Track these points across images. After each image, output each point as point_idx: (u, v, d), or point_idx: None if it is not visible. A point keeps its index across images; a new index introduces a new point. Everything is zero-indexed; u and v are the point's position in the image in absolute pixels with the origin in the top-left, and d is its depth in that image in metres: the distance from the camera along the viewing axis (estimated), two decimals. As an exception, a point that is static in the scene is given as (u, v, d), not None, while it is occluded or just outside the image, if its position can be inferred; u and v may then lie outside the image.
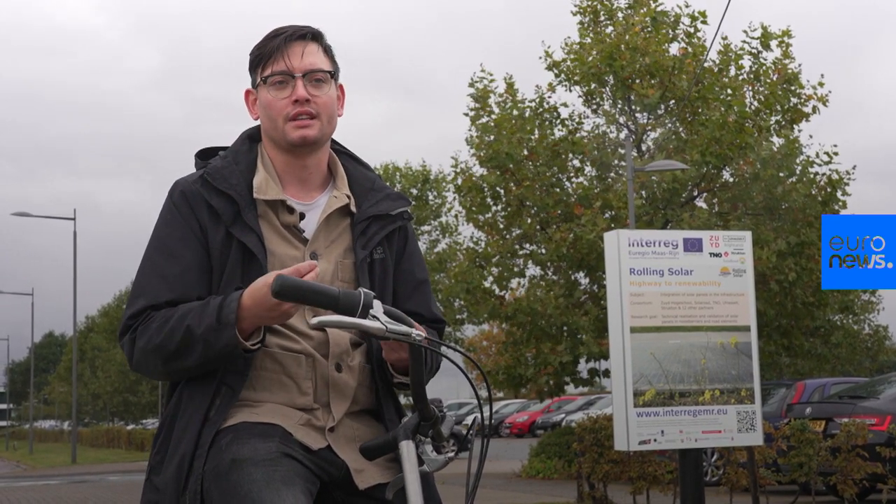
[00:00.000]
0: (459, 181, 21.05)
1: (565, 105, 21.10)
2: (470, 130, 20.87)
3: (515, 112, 20.52)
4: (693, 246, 7.80)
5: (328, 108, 2.64)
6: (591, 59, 20.15)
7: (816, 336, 22.66)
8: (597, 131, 21.23)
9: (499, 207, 20.76)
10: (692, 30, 21.00)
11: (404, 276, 2.77)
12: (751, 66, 20.85)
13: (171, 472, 2.44)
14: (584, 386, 22.34)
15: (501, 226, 20.81)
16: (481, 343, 52.31)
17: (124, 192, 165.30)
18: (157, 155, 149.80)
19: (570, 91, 21.01)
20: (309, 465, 2.43)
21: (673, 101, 20.21)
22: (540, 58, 21.03)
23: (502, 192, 20.39)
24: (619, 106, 21.11)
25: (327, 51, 2.70)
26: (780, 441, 10.84)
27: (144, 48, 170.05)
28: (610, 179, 20.54)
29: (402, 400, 2.82)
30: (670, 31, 20.84)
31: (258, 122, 2.73)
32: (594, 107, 21.24)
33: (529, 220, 20.29)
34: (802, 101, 20.77)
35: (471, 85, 21.01)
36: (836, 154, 20.33)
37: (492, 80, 20.94)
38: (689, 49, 20.61)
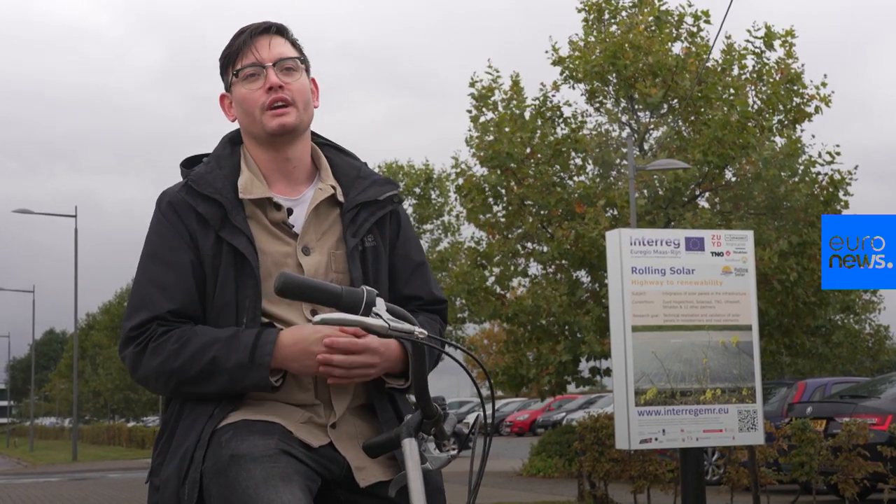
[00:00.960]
0: (460, 181, 21.05)
1: (568, 104, 21.12)
2: (470, 130, 20.88)
3: (518, 111, 20.50)
4: (695, 245, 7.80)
5: (302, 94, 2.65)
6: (594, 57, 20.14)
7: (818, 335, 22.68)
8: (599, 130, 21.23)
9: (499, 207, 20.76)
10: (695, 29, 21.00)
11: (401, 261, 2.76)
12: (754, 66, 20.84)
13: (172, 468, 2.45)
14: (585, 385, 22.34)
15: (503, 225, 20.80)
16: (482, 341, 52.36)
17: (126, 189, 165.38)
18: (158, 152, 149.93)
19: (574, 88, 21.03)
20: (309, 463, 2.43)
21: (675, 100, 20.21)
22: (546, 52, 21.04)
23: (503, 191, 20.38)
24: (622, 105, 21.10)
25: (294, 43, 2.71)
26: (781, 440, 10.83)
27: (147, 45, 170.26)
28: (612, 178, 20.53)
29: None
30: (674, 30, 20.83)
31: (237, 126, 2.74)
32: (596, 105, 21.24)
33: (531, 220, 20.28)
34: (805, 100, 20.75)
35: (471, 84, 21.01)
36: (838, 154, 20.33)
37: (498, 77, 20.95)
38: (693, 48, 20.61)
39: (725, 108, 19.39)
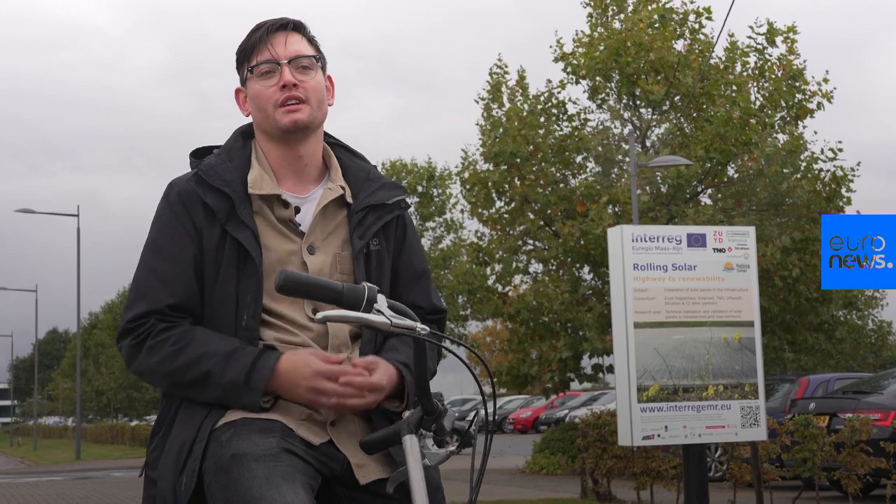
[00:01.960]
0: (467, 174, 21.03)
1: (573, 102, 21.08)
2: (478, 123, 20.85)
3: (525, 107, 20.48)
4: (697, 241, 7.80)
5: (317, 92, 2.65)
6: (597, 53, 20.13)
7: (820, 331, 22.64)
8: (601, 127, 21.22)
9: (502, 203, 20.76)
10: (697, 26, 20.98)
11: (404, 268, 2.77)
12: (756, 63, 20.82)
13: (170, 460, 2.45)
14: (587, 382, 22.34)
15: (505, 221, 20.79)
16: (485, 339, 52.33)
17: (129, 188, 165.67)
18: (161, 151, 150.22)
19: (578, 84, 20.99)
20: (310, 461, 2.42)
21: (678, 97, 20.19)
22: (551, 47, 21.04)
23: (507, 187, 20.37)
24: (624, 101, 21.09)
25: (311, 40, 2.71)
26: (784, 436, 10.83)
27: (150, 44, 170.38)
28: (614, 175, 20.53)
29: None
30: (677, 27, 20.80)
31: (250, 120, 2.74)
32: (599, 102, 21.23)
33: (533, 217, 20.28)
34: (807, 97, 20.73)
35: (490, 74, 21.03)
36: (840, 150, 20.31)
37: (505, 73, 20.95)
38: (695, 45, 20.58)
39: (728, 105, 19.37)
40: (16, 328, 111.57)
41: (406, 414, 2.37)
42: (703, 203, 20.33)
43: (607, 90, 20.97)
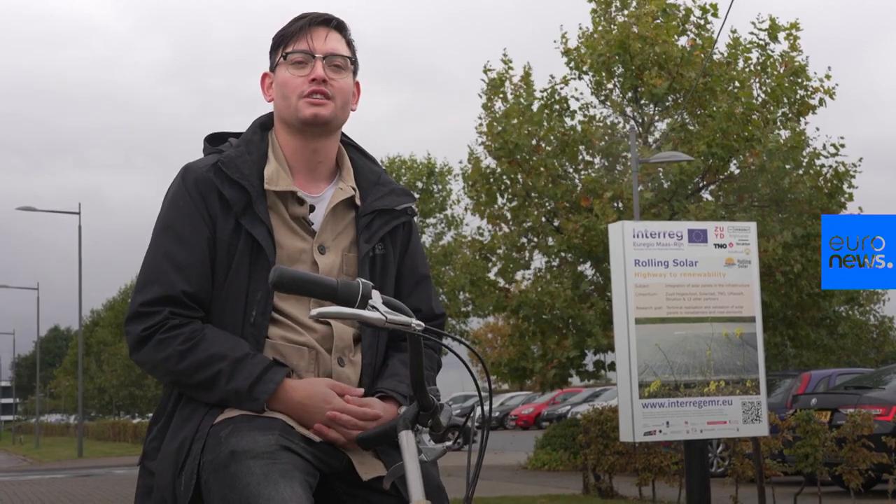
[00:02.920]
0: (470, 169, 21.00)
1: (576, 98, 21.03)
2: (481, 118, 20.85)
3: (526, 103, 20.46)
4: (698, 237, 7.79)
5: (344, 93, 2.64)
6: (601, 47, 20.11)
7: (822, 327, 22.64)
8: (605, 122, 21.19)
9: (505, 199, 20.73)
10: (702, 21, 20.94)
11: (407, 272, 2.77)
12: (758, 58, 20.80)
13: (169, 456, 2.45)
14: (589, 379, 22.33)
15: (509, 216, 20.77)
16: (486, 335, 52.35)
17: (131, 185, 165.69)
18: (164, 149, 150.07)
19: (581, 79, 20.96)
20: (309, 458, 2.42)
21: (681, 92, 20.16)
22: (555, 41, 21.01)
23: (510, 182, 20.34)
24: (627, 96, 21.06)
25: (349, 43, 2.71)
26: (786, 432, 10.83)
27: (153, 41, 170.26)
28: (617, 171, 20.50)
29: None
30: (680, 24, 20.76)
31: (271, 108, 2.73)
32: (602, 98, 21.21)
33: (536, 212, 20.26)
34: (809, 93, 20.71)
35: (485, 71, 21.01)
36: (842, 146, 20.30)
37: (510, 68, 20.92)
38: (698, 41, 20.55)
39: (730, 101, 19.34)
40: (18, 326, 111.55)
41: (402, 410, 2.36)
42: (705, 199, 20.31)
43: (611, 86, 20.94)
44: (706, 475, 7.94)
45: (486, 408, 2.37)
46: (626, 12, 21.03)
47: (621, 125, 21.18)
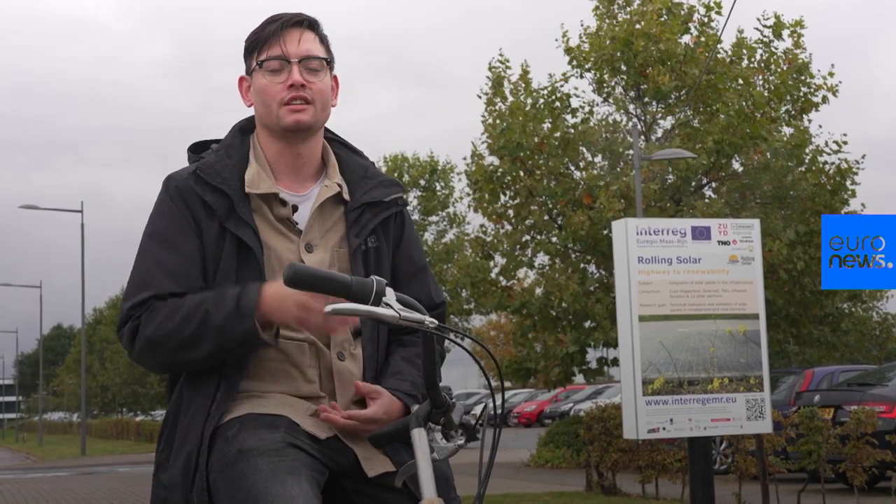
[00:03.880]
0: (474, 167, 20.99)
1: (576, 95, 21.02)
2: (484, 116, 20.82)
3: (529, 101, 20.43)
4: (701, 234, 7.79)
5: (323, 94, 2.64)
6: (605, 45, 20.08)
7: (825, 324, 22.64)
8: (607, 119, 21.18)
9: (507, 197, 20.71)
10: (706, 19, 20.93)
11: (403, 262, 2.76)
12: (762, 56, 20.79)
13: (178, 470, 2.45)
14: (593, 376, 22.34)
15: (511, 214, 20.75)
16: (489, 333, 52.37)
17: (133, 183, 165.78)
18: (166, 146, 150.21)
19: (583, 77, 20.94)
20: (316, 455, 2.42)
21: (684, 90, 20.15)
22: (556, 39, 20.99)
23: (512, 180, 20.33)
24: (631, 94, 21.05)
25: (323, 40, 2.69)
26: (789, 429, 10.83)
27: (155, 39, 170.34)
28: (619, 169, 20.49)
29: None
30: (684, 21, 20.73)
31: (251, 112, 2.73)
32: (605, 95, 21.19)
33: (538, 210, 20.25)
34: (812, 90, 20.71)
35: (489, 69, 20.98)
36: (845, 143, 20.29)
37: (507, 68, 20.91)
38: (703, 38, 20.53)
39: (736, 98, 19.32)
40: (20, 324, 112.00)
41: (415, 408, 2.37)
42: (708, 197, 20.30)
43: (613, 83, 20.92)
44: (710, 472, 7.94)
45: (497, 404, 2.37)
46: (628, 10, 21.02)
47: (624, 123, 21.17)
